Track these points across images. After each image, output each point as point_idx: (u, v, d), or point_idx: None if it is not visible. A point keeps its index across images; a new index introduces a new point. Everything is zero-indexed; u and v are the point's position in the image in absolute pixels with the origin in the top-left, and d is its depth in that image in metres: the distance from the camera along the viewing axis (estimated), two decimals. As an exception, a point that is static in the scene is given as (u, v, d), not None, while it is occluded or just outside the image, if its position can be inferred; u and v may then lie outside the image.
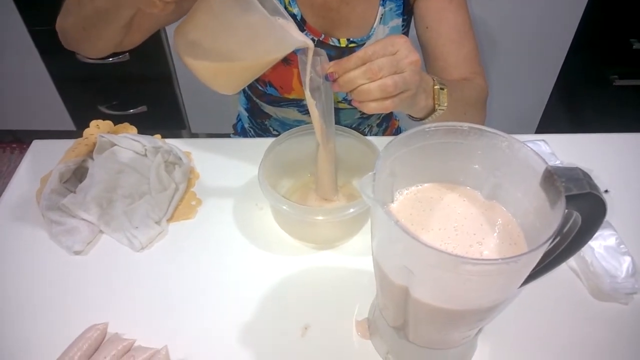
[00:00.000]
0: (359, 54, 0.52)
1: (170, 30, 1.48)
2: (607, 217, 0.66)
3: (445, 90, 0.61)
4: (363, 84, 0.51)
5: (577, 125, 1.67)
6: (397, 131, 1.02)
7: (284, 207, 0.59)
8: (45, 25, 1.49)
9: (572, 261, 0.64)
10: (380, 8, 0.75)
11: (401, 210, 0.47)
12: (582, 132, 0.84)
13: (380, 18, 0.76)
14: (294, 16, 0.75)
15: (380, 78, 0.51)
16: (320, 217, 0.60)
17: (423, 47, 0.77)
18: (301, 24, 0.75)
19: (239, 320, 0.58)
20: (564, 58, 1.48)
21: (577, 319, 0.59)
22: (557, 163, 0.74)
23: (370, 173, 0.41)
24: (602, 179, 0.73)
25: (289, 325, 0.58)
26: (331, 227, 0.64)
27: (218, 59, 0.51)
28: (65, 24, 0.63)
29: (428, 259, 0.38)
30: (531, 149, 0.43)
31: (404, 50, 0.52)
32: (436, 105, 0.61)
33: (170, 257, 0.65)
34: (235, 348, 0.56)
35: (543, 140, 0.77)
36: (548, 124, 1.66)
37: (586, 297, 0.61)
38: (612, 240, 0.63)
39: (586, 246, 0.62)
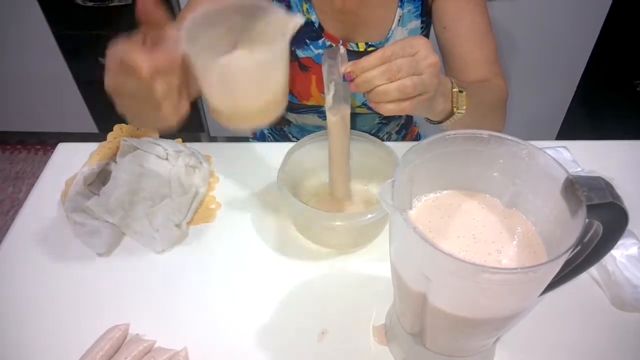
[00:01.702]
0: (377, 54, 0.51)
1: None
2: (630, 226, 0.65)
3: (464, 93, 0.60)
4: (381, 85, 0.51)
5: (598, 131, 1.64)
6: (417, 138, 1.01)
7: (303, 212, 0.60)
8: (69, 29, 1.53)
9: (593, 270, 0.63)
10: (399, 10, 0.75)
11: (419, 217, 0.47)
12: (603, 138, 0.83)
13: (399, 20, 0.76)
14: (312, 23, 0.76)
15: (399, 79, 0.51)
16: (338, 223, 0.61)
17: (441, 48, 0.76)
18: (319, 31, 0.76)
19: (256, 323, 0.59)
20: (585, 63, 1.46)
21: (599, 328, 0.58)
22: (579, 170, 0.73)
23: (389, 180, 0.41)
24: (622, 187, 0.71)
25: (306, 330, 0.58)
26: (349, 233, 0.65)
27: (254, 106, 0.51)
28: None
29: (446, 266, 0.38)
30: (552, 157, 0.42)
31: (424, 51, 0.51)
32: (454, 109, 0.61)
33: (190, 260, 0.66)
34: (253, 351, 0.57)
35: (564, 147, 0.76)
36: (569, 130, 1.64)
37: (608, 306, 0.60)
38: (634, 250, 0.62)
39: (608, 255, 0.62)
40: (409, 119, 0.98)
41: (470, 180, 0.48)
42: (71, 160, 0.75)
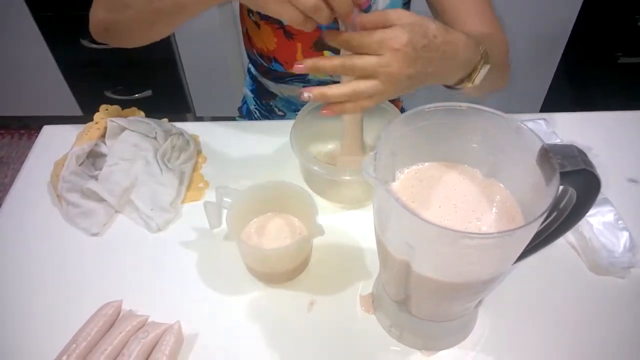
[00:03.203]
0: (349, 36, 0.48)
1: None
2: (606, 194, 0.68)
3: (487, 69, 0.56)
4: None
5: (582, 103, 1.66)
6: (402, 112, 1.02)
7: (315, 168, 0.64)
8: (50, 11, 1.49)
9: (571, 237, 0.66)
10: None
11: (402, 189, 0.48)
12: (587, 110, 0.85)
13: None
14: None
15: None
16: (347, 177, 0.63)
17: (430, 6, 0.74)
18: None
19: (247, 296, 0.61)
20: (568, 36, 1.47)
21: (576, 292, 0.61)
22: (557, 141, 0.75)
23: (371, 153, 0.43)
24: (601, 157, 0.74)
25: (296, 301, 0.60)
26: (359, 187, 0.67)
27: (285, 271, 0.61)
28: (117, 16, 0.61)
29: (428, 234, 0.40)
30: (528, 127, 0.44)
31: (389, 56, 0.47)
32: (470, 82, 0.57)
33: (182, 238, 0.67)
34: (244, 323, 0.58)
35: (543, 119, 0.78)
36: (553, 103, 1.66)
37: (585, 271, 0.63)
38: (610, 216, 0.65)
39: (585, 222, 0.65)
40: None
41: (450, 152, 0.50)
42: (57, 143, 0.75)
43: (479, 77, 0.56)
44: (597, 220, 0.65)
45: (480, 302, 0.56)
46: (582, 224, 0.64)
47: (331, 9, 0.46)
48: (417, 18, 0.48)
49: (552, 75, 1.59)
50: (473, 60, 0.55)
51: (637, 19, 1.37)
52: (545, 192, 0.41)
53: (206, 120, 1.81)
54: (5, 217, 0.70)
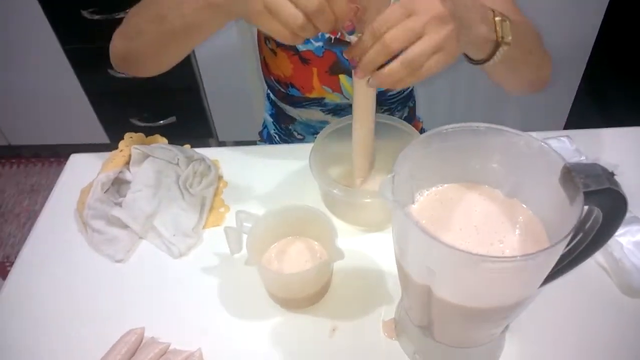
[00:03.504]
0: (368, 31, 0.46)
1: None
2: (636, 212, 0.65)
3: (508, 22, 0.53)
4: (383, 65, 0.46)
5: (607, 118, 1.63)
6: (421, 133, 1.02)
7: (335, 191, 0.63)
8: (78, 44, 1.56)
9: (600, 258, 0.63)
10: None
11: (422, 211, 0.48)
12: (612, 125, 0.83)
13: None
14: None
15: (398, 50, 0.45)
16: (368, 200, 0.63)
17: None
18: None
19: (269, 323, 0.60)
20: (590, 51, 1.45)
21: (607, 316, 0.59)
22: (582, 159, 0.73)
23: (389, 175, 0.42)
24: (628, 174, 0.72)
25: (318, 327, 0.59)
26: (379, 210, 0.67)
27: (306, 296, 0.61)
28: (132, 44, 0.64)
29: (449, 258, 0.39)
30: (549, 146, 0.43)
31: (419, 6, 0.45)
32: (500, 39, 0.52)
33: (203, 264, 0.67)
34: (266, 349, 0.58)
35: (567, 136, 0.77)
36: (577, 119, 1.63)
37: (616, 293, 0.61)
38: (639, 236, 0.62)
39: (615, 242, 0.62)
40: (412, 112, 0.98)
41: (470, 173, 0.49)
42: (84, 171, 0.78)
43: (505, 33, 0.52)
44: (627, 239, 0.62)
45: (507, 327, 0.54)
46: (611, 244, 0.62)
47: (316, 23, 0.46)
48: None
49: (575, 91, 1.56)
50: (489, 15, 0.52)
51: (662, 32, 1.35)
52: (569, 213, 0.40)
53: (228, 145, 1.85)
54: (33, 244, 0.71)
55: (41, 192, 1.87)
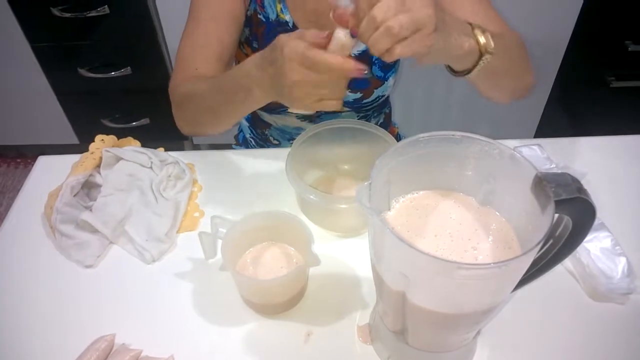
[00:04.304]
0: (366, 2, 0.47)
1: (170, 43, 1.51)
2: (603, 219, 0.68)
3: (488, 32, 0.55)
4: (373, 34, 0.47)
5: (576, 127, 1.68)
6: (397, 138, 1.03)
7: (311, 197, 0.63)
8: (47, 42, 1.51)
9: (569, 263, 0.65)
10: None
11: (397, 218, 0.48)
12: (581, 134, 0.85)
13: None
14: (286, 23, 0.77)
15: (386, 21, 0.46)
16: (344, 205, 0.63)
17: None
18: (293, 31, 0.77)
19: (243, 328, 0.60)
20: (560, 61, 1.49)
21: (575, 320, 0.60)
22: (552, 167, 0.75)
23: (366, 183, 0.43)
24: (596, 182, 0.74)
25: (293, 332, 0.59)
26: (355, 215, 0.67)
27: (281, 301, 0.60)
28: (190, 123, 0.74)
29: (423, 265, 0.39)
30: (522, 155, 0.44)
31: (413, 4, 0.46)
32: (482, 50, 0.54)
33: (177, 269, 0.66)
34: (240, 355, 0.57)
35: (538, 144, 0.79)
36: (547, 128, 1.67)
37: (583, 298, 0.62)
38: (607, 242, 0.64)
39: (582, 248, 0.64)
40: (388, 118, 0.99)
41: (445, 180, 0.50)
42: (52, 173, 0.75)
43: (487, 42, 0.54)
44: (595, 246, 0.64)
45: (479, 332, 0.55)
46: (579, 250, 0.64)
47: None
48: None
49: (545, 101, 1.61)
50: (467, 28, 0.54)
51: (627, 44, 1.40)
52: (541, 220, 0.41)
53: (203, 148, 1.82)
54: (0, 248, 0.69)
55: (6, 194, 1.81)
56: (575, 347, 0.58)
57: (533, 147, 0.78)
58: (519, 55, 0.68)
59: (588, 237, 0.65)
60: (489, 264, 0.37)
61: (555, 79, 1.54)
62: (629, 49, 1.39)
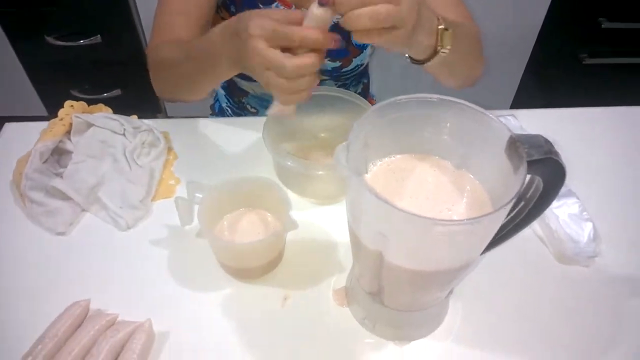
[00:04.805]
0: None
1: (142, 11, 1.46)
2: (572, 187, 0.70)
3: (449, 32, 0.56)
4: (354, 8, 0.46)
5: (549, 102, 1.71)
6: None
7: (288, 163, 0.63)
8: (12, 7, 1.44)
9: (538, 228, 0.67)
10: None
11: (375, 181, 0.49)
12: (554, 106, 0.87)
13: None
14: None
15: (374, 4, 0.46)
16: (321, 172, 0.63)
17: None
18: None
19: (220, 292, 0.60)
20: (535, 37, 1.51)
21: (543, 281, 0.63)
22: (525, 135, 0.77)
23: (344, 143, 0.43)
24: (566, 150, 0.75)
25: (270, 296, 0.60)
26: (332, 182, 0.67)
27: (258, 266, 0.61)
28: (165, 86, 0.72)
29: (401, 223, 0.40)
30: (496, 118, 0.45)
31: None
32: (438, 47, 0.56)
33: (152, 236, 0.65)
34: (217, 319, 0.58)
35: (512, 115, 0.80)
36: (522, 101, 1.70)
37: (551, 261, 0.65)
38: (575, 208, 0.67)
39: (551, 214, 0.66)
40: (366, 89, 0.99)
41: (422, 144, 0.50)
42: (20, 141, 0.73)
43: (446, 42, 0.56)
44: (563, 211, 0.66)
45: (451, 292, 0.57)
46: (548, 216, 0.66)
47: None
48: None
49: (520, 75, 1.63)
50: (433, 22, 0.55)
51: (601, 21, 1.42)
52: (513, 181, 0.42)
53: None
54: (-35, 217, 0.67)
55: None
56: (542, 307, 0.60)
57: (507, 117, 0.80)
58: (474, 49, 0.71)
59: (557, 203, 0.68)
60: (463, 220, 0.38)
61: (531, 54, 1.57)
62: (603, 25, 1.42)
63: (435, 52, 0.57)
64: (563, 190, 0.70)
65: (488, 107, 0.87)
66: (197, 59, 0.62)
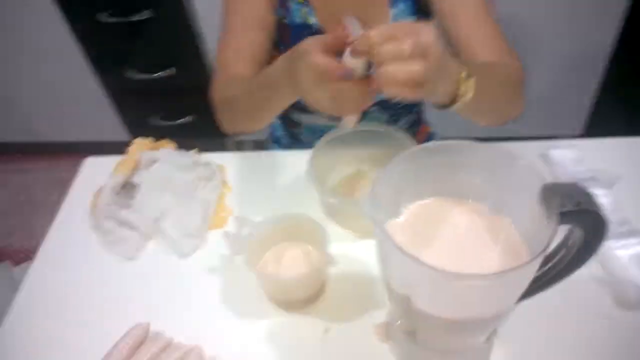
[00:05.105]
0: (381, 29, 0.46)
1: (210, 44, 1.56)
2: (637, 225, 0.65)
3: (472, 80, 0.54)
4: (389, 64, 0.46)
5: (633, 122, 1.58)
6: (430, 137, 1.02)
7: (330, 200, 0.67)
8: (97, 46, 1.60)
9: (596, 269, 0.63)
10: (393, 9, 0.77)
11: (407, 225, 0.49)
12: (636, 130, 0.82)
13: (393, 19, 0.77)
14: (311, 26, 0.78)
15: (407, 60, 0.46)
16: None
17: (444, 37, 0.74)
18: (319, 34, 0.78)
19: (266, 322, 0.63)
20: (609, 54, 1.41)
21: (600, 327, 0.59)
22: (582, 170, 0.73)
23: (370, 190, 0.44)
24: (632, 185, 0.71)
25: (312, 327, 0.62)
26: None
27: (302, 298, 0.64)
28: (232, 123, 0.77)
29: (424, 274, 0.40)
30: (530, 163, 0.44)
31: (426, 36, 0.46)
32: (459, 96, 0.54)
33: (206, 264, 0.70)
34: (262, 346, 0.61)
35: (573, 145, 0.76)
36: (600, 123, 1.59)
37: (611, 306, 0.61)
38: (637, 249, 0.62)
39: (612, 256, 0.62)
40: (418, 118, 0.99)
41: (456, 187, 0.50)
42: (97, 173, 0.81)
43: (469, 89, 0.54)
44: (624, 253, 0.62)
45: (494, 333, 0.55)
46: (609, 257, 0.62)
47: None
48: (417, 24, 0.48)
49: (594, 95, 1.53)
50: (457, 72, 0.53)
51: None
52: (548, 231, 0.41)
53: (246, 144, 1.88)
54: (50, 245, 0.76)
55: (67, 188, 1.94)
56: (600, 356, 0.56)
57: (566, 148, 0.76)
58: (507, 90, 0.67)
59: (618, 244, 0.63)
60: (487, 274, 0.38)
61: (607, 73, 1.46)
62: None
63: (454, 101, 0.55)
64: (625, 228, 0.66)
65: (557, 132, 0.83)
66: (259, 88, 0.66)
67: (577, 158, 0.74)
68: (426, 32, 0.46)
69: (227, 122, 0.78)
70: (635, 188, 0.71)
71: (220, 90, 0.76)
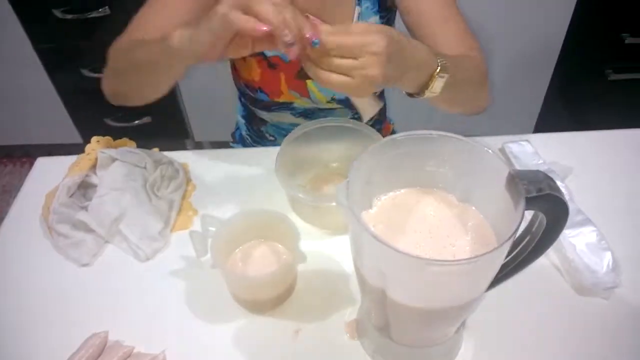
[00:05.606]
0: (331, 39, 0.49)
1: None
2: (589, 214, 0.68)
3: (444, 79, 0.57)
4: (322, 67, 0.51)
5: (575, 121, 1.67)
6: (391, 134, 1.03)
7: (300, 195, 0.65)
8: (50, 42, 1.54)
9: (554, 258, 0.66)
10: (357, 7, 0.77)
11: (380, 215, 0.49)
12: (581, 127, 0.86)
13: (358, 17, 0.78)
14: None
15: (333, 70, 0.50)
16: (332, 203, 0.64)
17: (410, 32, 0.76)
18: None
19: (233, 325, 0.61)
20: (557, 54, 1.49)
21: (560, 313, 0.61)
22: (540, 162, 0.76)
23: (344, 181, 0.44)
24: (585, 177, 0.75)
25: (282, 329, 0.61)
26: (342, 213, 0.68)
27: (270, 298, 0.62)
28: (115, 81, 0.74)
29: (398, 262, 0.41)
30: (496, 153, 0.45)
31: (368, 60, 0.49)
32: (425, 90, 0.58)
33: (169, 267, 0.67)
34: (230, 351, 0.59)
35: (527, 140, 0.79)
36: (546, 121, 1.67)
37: (568, 292, 0.63)
38: (592, 237, 0.65)
39: (568, 243, 0.65)
40: (382, 115, 1.00)
41: (426, 178, 0.51)
42: (50, 175, 0.77)
43: (437, 86, 0.58)
44: (580, 240, 0.65)
45: (463, 325, 0.56)
46: (565, 245, 0.65)
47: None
48: (380, 26, 0.51)
49: (544, 95, 1.60)
50: (431, 67, 0.56)
51: (624, 36, 1.39)
52: (514, 217, 0.42)
53: (205, 145, 1.84)
54: (-1, 248, 0.71)
55: (13, 193, 1.84)
56: (559, 340, 0.59)
57: (522, 142, 0.79)
58: (473, 82, 0.70)
59: (573, 232, 0.66)
60: (460, 260, 0.38)
61: (553, 72, 1.54)
62: (626, 41, 1.39)
63: (422, 93, 0.58)
64: (579, 218, 0.69)
65: (510, 130, 0.87)
66: (154, 43, 0.61)
67: (533, 151, 0.77)
68: (369, 53, 0.49)
69: (111, 81, 0.74)
70: (584, 180, 0.75)
71: (118, 49, 0.70)
